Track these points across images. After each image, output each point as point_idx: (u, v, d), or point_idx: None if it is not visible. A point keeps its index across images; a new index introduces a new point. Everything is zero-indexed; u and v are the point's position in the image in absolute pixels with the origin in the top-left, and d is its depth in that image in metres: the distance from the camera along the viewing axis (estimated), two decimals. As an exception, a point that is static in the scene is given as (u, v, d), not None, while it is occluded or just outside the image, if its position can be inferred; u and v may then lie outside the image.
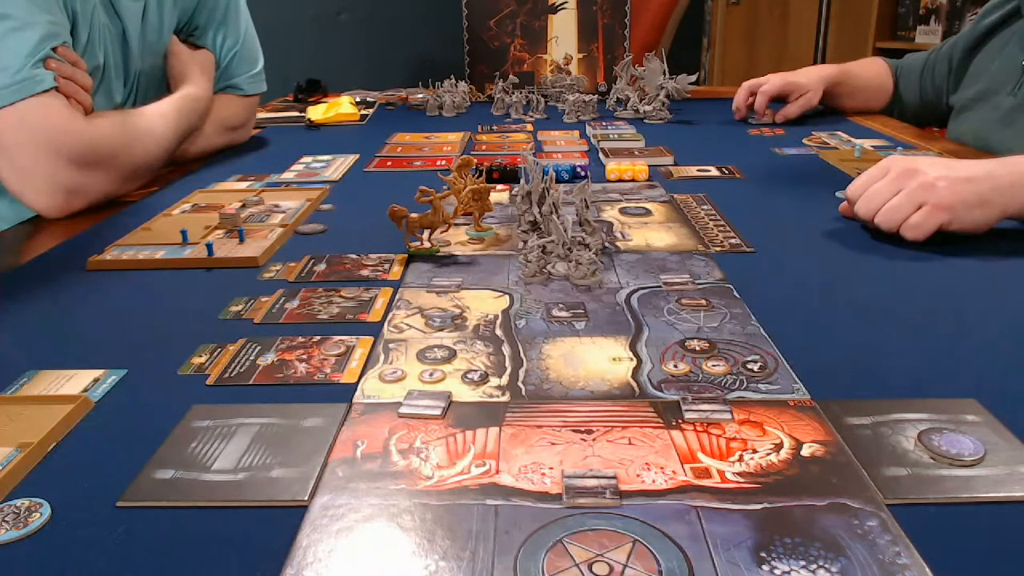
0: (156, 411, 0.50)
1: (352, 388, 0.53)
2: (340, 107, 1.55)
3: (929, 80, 1.38)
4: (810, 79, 1.41)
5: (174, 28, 1.19)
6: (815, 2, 2.70)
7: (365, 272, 0.73)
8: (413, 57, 2.65)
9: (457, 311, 0.64)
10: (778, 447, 0.45)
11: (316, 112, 1.53)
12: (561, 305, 0.65)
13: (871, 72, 1.48)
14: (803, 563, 0.36)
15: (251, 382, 0.54)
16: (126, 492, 0.42)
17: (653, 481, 0.42)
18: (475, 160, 0.84)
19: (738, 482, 0.42)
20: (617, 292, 0.67)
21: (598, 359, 0.56)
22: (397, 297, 0.67)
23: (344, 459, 0.45)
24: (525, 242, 0.73)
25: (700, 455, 0.44)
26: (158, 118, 1.05)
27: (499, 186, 0.98)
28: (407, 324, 0.62)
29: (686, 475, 0.42)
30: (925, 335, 0.59)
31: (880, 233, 0.78)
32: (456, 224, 0.80)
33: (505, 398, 0.51)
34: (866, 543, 0.37)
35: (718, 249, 0.77)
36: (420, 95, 1.71)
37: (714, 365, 0.54)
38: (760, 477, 0.42)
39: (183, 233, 0.81)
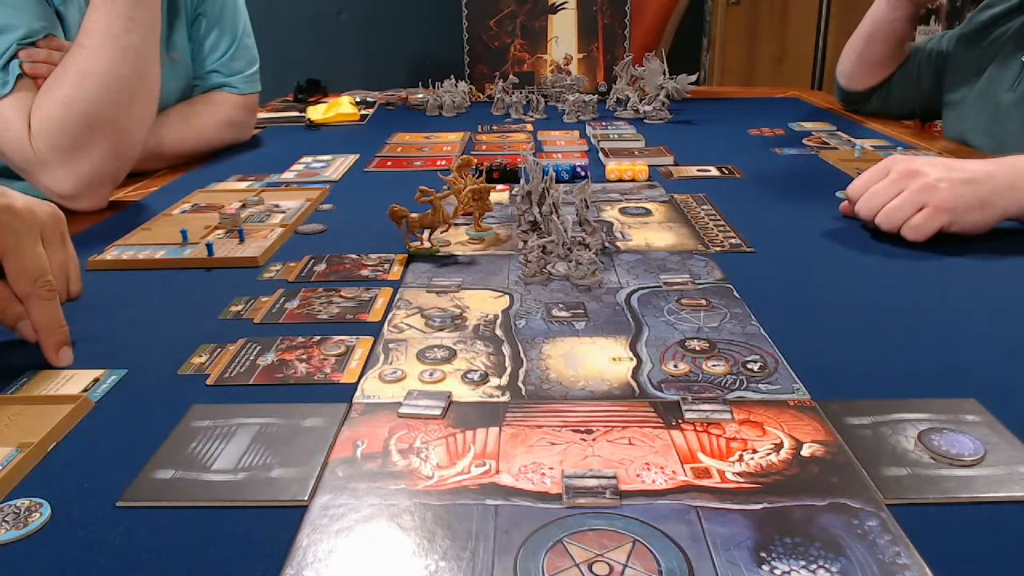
0: (156, 411, 0.50)
1: (352, 388, 0.53)
2: (340, 107, 1.55)
3: (927, 69, 1.37)
4: None
5: (185, 33, 1.19)
6: (815, 2, 2.70)
7: (365, 272, 0.73)
8: (413, 57, 2.65)
9: (457, 311, 0.64)
10: (778, 447, 0.45)
11: (316, 112, 1.53)
12: (561, 305, 0.65)
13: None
14: (803, 563, 0.36)
15: (251, 382, 0.54)
16: (126, 492, 0.42)
17: (653, 481, 0.42)
18: (475, 160, 0.84)
19: (738, 482, 0.42)
20: (617, 292, 0.67)
21: (598, 359, 0.56)
22: (397, 297, 0.67)
23: (344, 459, 0.45)
24: (525, 242, 0.73)
25: (700, 455, 0.44)
26: (86, 40, 0.90)
27: (499, 186, 0.98)
28: (407, 324, 0.62)
29: (686, 475, 0.42)
30: (925, 335, 0.59)
31: (880, 233, 0.78)
32: (456, 224, 0.80)
33: (505, 398, 0.51)
34: (866, 543, 0.37)
35: (718, 249, 0.77)
36: (420, 95, 1.71)
37: (714, 365, 0.54)
38: (760, 477, 0.42)
39: (183, 233, 0.81)
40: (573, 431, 0.47)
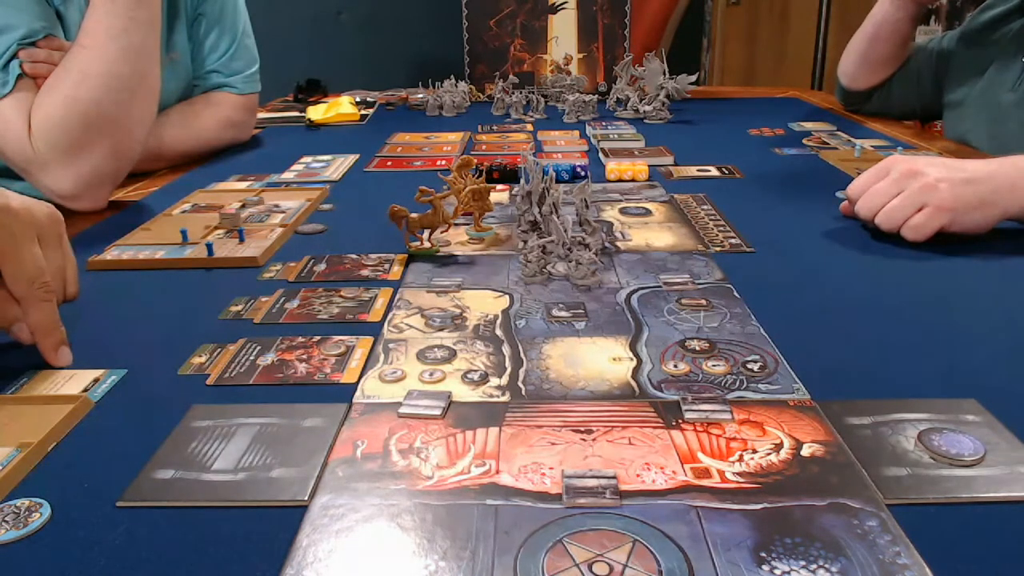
0: (156, 411, 0.50)
1: (352, 388, 0.53)
2: (340, 107, 1.55)
3: (927, 69, 1.37)
4: None
5: (185, 34, 1.19)
6: (815, 2, 2.70)
7: (365, 272, 0.73)
8: (413, 57, 2.65)
9: (457, 311, 0.64)
10: (778, 447, 0.45)
11: (316, 112, 1.53)
12: (561, 305, 0.65)
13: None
14: (803, 563, 0.36)
15: (251, 382, 0.54)
16: (126, 492, 0.42)
17: (653, 481, 0.42)
18: (475, 160, 0.84)
19: (738, 482, 0.42)
20: (617, 292, 0.67)
21: (598, 359, 0.56)
22: (397, 297, 0.67)
23: (344, 459, 0.45)
24: (525, 242, 0.73)
25: (700, 455, 0.44)
26: (87, 40, 0.90)
27: (499, 186, 0.98)
28: (407, 324, 0.62)
29: (686, 475, 0.42)
30: (925, 335, 0.59)
31: (880, 233, 0.78)
32: (456, 224, 0.80)
33: (505, 398, 0.51)
34: (866, 543, 0.37)
35: (718, 249, 0.77)
36: (420, 95, 1.71)
37: (714, 365, 0.54)
38: (760, 477, 0.42)
39: (183, 233, 0.81)
40: (573, 431, 0.47)
